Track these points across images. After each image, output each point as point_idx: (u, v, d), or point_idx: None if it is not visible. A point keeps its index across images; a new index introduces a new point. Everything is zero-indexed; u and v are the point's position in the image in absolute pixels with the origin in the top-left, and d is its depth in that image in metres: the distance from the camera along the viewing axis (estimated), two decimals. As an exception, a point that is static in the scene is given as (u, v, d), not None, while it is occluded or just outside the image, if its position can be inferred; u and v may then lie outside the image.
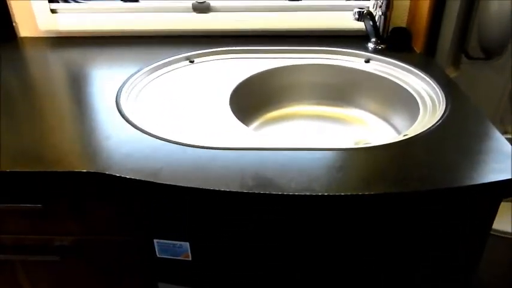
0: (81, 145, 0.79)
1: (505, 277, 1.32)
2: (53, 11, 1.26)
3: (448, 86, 0.96)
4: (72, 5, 1.28)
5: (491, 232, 0.79)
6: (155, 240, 0.80)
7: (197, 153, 0.76)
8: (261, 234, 0.77)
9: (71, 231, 0.83)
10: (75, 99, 0.96)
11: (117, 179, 0.71)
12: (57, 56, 1.22)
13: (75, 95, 0.99)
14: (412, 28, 1.19)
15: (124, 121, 0.86)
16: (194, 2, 1.24)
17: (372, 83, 1.10)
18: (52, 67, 1.16)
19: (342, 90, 1.15)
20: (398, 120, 1.05)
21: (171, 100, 0.99)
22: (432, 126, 0.84)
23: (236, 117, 0.91)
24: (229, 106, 0.95)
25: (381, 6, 1.13)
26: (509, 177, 0.69)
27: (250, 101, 1.08)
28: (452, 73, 1.15)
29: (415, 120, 0.90)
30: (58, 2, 1.27)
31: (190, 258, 0.81)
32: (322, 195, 0.67)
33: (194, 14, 1.26)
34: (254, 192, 0.67)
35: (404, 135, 0.82)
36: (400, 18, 1.21)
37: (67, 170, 0.73)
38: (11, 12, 1.27)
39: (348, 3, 1.26)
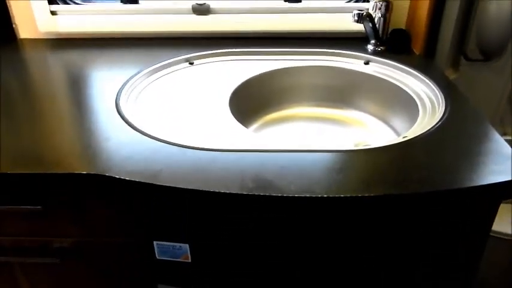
0: (80, 147, 0.79)
1: (505, 278, 1.32)
2: (53, 13, 1.26)
3: (447, 88, 0.97)
4: (72, 6, 1.28)
5: (491, 234, 0.79)
6: (155, 242, 0.80)
7: (197, 155, 0.76)
8: (260, 236, 0.77)
9: (70, 233, 0.83)
10: (75, 101, 0.97)
11: (117, 180, 0.71)
12: (57, 57, 1.22)
13: (75, 96, 0.99)
14: (412, 30, 1.19)
15: (124, 123, 0.86)
16: (194, 4, 1.24)
17: (371, 84, 1.10)
18: (52, 69, 1.16)
19: (341, 92, 1.15)
20: (398, 122, 1.05)
21: (171, 102, 0.99)
22: (432, 128, 0.84)
23: (236, 119, 0.91)
24: (229, 108, 0.95)
25: (380, 8, 1.14)
26: (509, 179, 0.69)
27: (250, 102, 1.08)
28: (451, 75, 1.15)
29: (415, 122, 0.90)
30: (58, 4, 1.27)
31: (189, 260, 0.81)
32: (322, 197, 0.67)
33: (194, 16, 1.26)
34: (254, 194, 0.67)
35: (404, 137, 0.83)
36: (399, 20, 1.21)
37: (67, 171, 0.73)
38: (11, 13, 1.27)
39: (348, 5, 1.26)
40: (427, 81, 1.00)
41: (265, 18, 1.25)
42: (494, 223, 0.78)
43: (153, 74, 1.08)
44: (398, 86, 1.04)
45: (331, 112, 1.15)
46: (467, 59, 1.16)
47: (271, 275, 0.82)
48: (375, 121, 1.11)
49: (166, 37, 1.28)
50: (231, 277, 0.84)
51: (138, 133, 0.83)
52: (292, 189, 0.68)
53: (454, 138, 0.81)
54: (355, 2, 1.27)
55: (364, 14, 1.09)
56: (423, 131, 0.83)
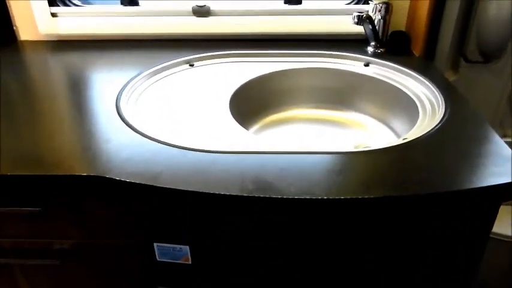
0: (81, 148, 0.79)
1: (505, 280, 1.32)
2: (53, 15, 1.26)
3: (447, 90, 0.97)
4: (72, 8, 1.28)
5: (491, 235, 0.79)
6: (155, 244, 0.80)
7: (197, 157, 0.76)
8: (260, 237, 0.77)
9: (70, 235, 0.83)
10: (75, 103, 0.97)
11: (117, 182, 0.71)
12: (57, 59, 1.22)
13: (75, 98, 0.99)
14: (411, 32, 1.19)
15: (124, 124, 0.87)
16: (194, 5, 1.25)
17: (371, 86, 1.11)
18: (52, 70, 1.16)
19: (341, 93, 1.15)
20: (398, 124, 1.05)
21: (171, 104, 0.99)
22: (431, 129, 0.84)
23: (236, 120, 0.91)
24: (229, 109, 0.95)
25: (380, 10, 1.14)
26: (509, 181, 0.69)
27: (250, 104, 1.08)
28: (451, 77, 1.15)
29: (415, 124, 0.91)
30: (58, 6, 1.27)
31: (190, 262, 0.81)
32: (322, 199, 0.67)
33: (194, 17, 1.26)
34: (254, 196, 0.67)
35: (404, 139, 0.83)
36: (399, 22, 1.21)
37: (67, 173, 0.73)
38: (11, 15, 1.28)
39: (348, 7, 1.26)
40: (427, 83, 1.00)
41: (265, 20, 1.25)
42: (494, 225, 0.78)
43: (153, 76, 1.09)
44: (398, 88, 1.04)
45: (331, 114, 1.15)
46: (467, 60, 1.16)
47: (271, 276, 0.82)
48: (374, 123, 1.11)
49: (167, 39, 1.28)
50: (231, 279, 0.84)
51: (138, 135, 0.83)
52: (292, 191, 0.68)
53: (454, 140, 0.81)
54: (355, 4, 1.27)
55: (364, 16, 1.09)
56: (423, 133, 0.83)
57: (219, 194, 0.68)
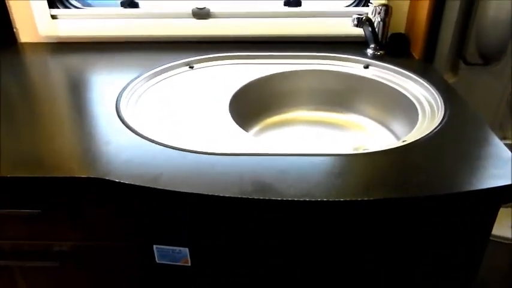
0: (81, 150, 0.79)
1: (505, 282, 1.32)
2: (53, 17, 1.27)
3: (446, 92, 0.97)
4: (73, 10, 1.28)
5: (491, 238, 0.79)
6: (155, 246, 0.80)
7: (197, 159, 0.76)
8: (260, 239, 0.77)
9: (70, 237, 0.83)
10: (75, 105, 0.97)
11: (117, 184, 0.71)
12: (57, 61, 1.22)
13: (75, 100, 0.99)
14: (411, 34, 1.20)
15: (124, 126, 0.87)
16: (194, 8, 1.25)
17: (370, 88, 1.11)
18: (52, 72, 1.16)
19: (341, 96, 1.15)
20: (397, 126, 1.05)
21: (171, 106, 0.99)
22: (431, 132, 0.84)
23: (235, 122, 0.91)
24: (228, 112, 0.95)
25: (379, 13, 1.14)
26: (509, 183, 0.69)
27: (250, 106, 1.08)
28: (450, 79, 1.15)
29: (414, 126, 0.91)
30: (58, 8, 1.27)
31: (189, 264, 0.81)
32: (322, 201, 0.67)
33: (194, 20, 1.26)
34: (253, 198, 0.67)
35: (403, 141, 0.83)
36: (398, 25, 1.22)
37: (67, 175, 0.73)
38: (11, 17, 1.28)
39: (347, 9, 1.26)
40: (427, 85, 1.00)
41: (265, 22, 1.25)
42: (494, 227, 0.78)
43: (153, 77, 1.09)
44: (398, 90, 1.05)
45: (331, 116, 1.16)
46: (467, 63, 1.16)
47: (271, 279, 0.82)
48: (374, 125, 1.11)
49: (166, 41, 1.28)
50: (230, 282, 0.83)
51: (138, 137, 0.83)
52: (291, 193, 0.68)
53: (454, 142, 0.81)
54: (355, 6, 1.27)
55: (364, 18, 1.09)
56: (422, 135, 0.83)
57: (218, 196, 0.68)
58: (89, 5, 1.33)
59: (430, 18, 1.10)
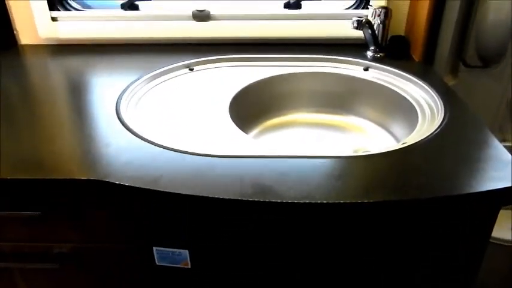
0: (81, 152, 0.80)
1: (505, 285, 1.32)
2: (54, 19, 1.27)
3: (446, 94, 0.97)
4: (73, 13, 1.29)
5: (491, 240, 0.79)
6: (154, 248, 0.80)
7: (197, 161, 0.76)
8: (260, 241, 0.77)
9: (70, 239, 0.83)
10: (75, 107, 0.97)
11: (117, 186, 0.71)
12: (57, 63, 1.22)
13: (75, 102, 0.99)
14: (411, 36, 1.20)
15: (124, 128, 0.87)
16: (194, 10, 1.25)
17: (370, 91, 1.11)
18: (52, 74, 1.16)
19: (341, 98, 1.15)
20: (397, 128, 1.05)
21: (171, 108, 0.99)
22: (431, 134, 0.84)
23: (235, 124, 0.91)
24: (228, 114, 0.95)
25: (379, 15, 1.14)
26: (508, 185, 0.69)
27: (250, 108, 1.08)
28: (450, 81, 1.15)
29: (414, 128, 0.91)
30: (59, 10, 1.27)
31: (189, 266, 0.81)
32: (322, 203, 0.67)
33: (194, 22, 1.26)
34: (253, 200, 0.67)
35: (403, 143, 0.83)
36: (398, 27, 1.22)
37: (67, 177, 0.73)
38: (11, 19, 1.28)
39: (347, 11, 1.26)
40: (426, 87, 1.01)
41: (265, 24, 1.25)
42: (494, 229, 0.78)
43: (153, 80, 1.09)
44: (398, 93, 1.05)
45: (331, 118, 1.16)
46: (466, 65, 1.16)
47: (271, 281, 0.82)
48: (374, 127, 1.11)
49: (167, 43, 1.28)
50: (230, 283, 0.83)
51: (138, 139, 0.83)
52: (291, 195, 0.68)
53: (453, 144, 0.81)
54: (355, 8, 1.27)
55: (364, 20, 1.09)
56: (422, 138, 0.83)
57: (218, 198, 0.68)
58: (89, 7, 1.33)
59: (429, 21, 1.10)
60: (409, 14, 1.20)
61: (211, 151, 0.79)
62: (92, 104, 0.97)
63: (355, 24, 1.09)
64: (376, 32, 1.15)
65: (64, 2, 1.29)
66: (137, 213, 0.78)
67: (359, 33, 1.15)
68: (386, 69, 1.11)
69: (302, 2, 1.28)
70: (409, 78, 1.06)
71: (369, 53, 1.17)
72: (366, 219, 0.74)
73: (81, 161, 0.77)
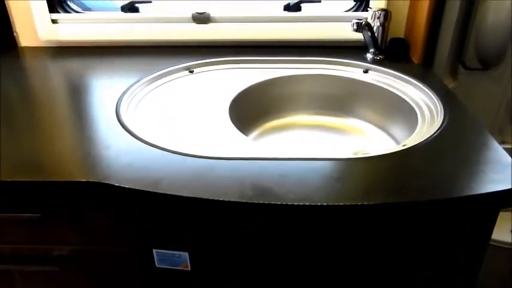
0: (81, 155, 0.80)
1: (505, 287, 1.32)
2: (54, 21, 1.27)
3: (446, 97, 0.97)
4: (73, 15, 1.29)
5: (490, 242, 0.79)
6: (154, 250, 0.80)
7: (197, 163, 0.77)
8: (260, 243, 0.77)
9: (70, 241, 0.83)
10: (75, 109, 0.97)
11: (117, 188, 0.71)
12: (57, 65, 1.23)
13: (75, 104, 0.99)
14: (410, 39, 1.20)
15: (124, 131, 0.87)
16: (194, 12, 1.25)
17: (370, 93, 1.11)
18: (52, 77, 1.16)
19: (340, 100, 1.15)
20: (397, 131, 1.05)
21: (171, 110, 0.99)
22: (430, 136, 0.84)
23: (235, 127, 0.91)
24: (228, 116, 0.95)
25: (379, 17, 1.14)
26: (508, 188, 0.69)
27: (250, 111, 1.08)
28: (450, 83, 1.16)
29: (414, 131, 0.91)
30: (59, 12, 1.27)
31: (189, 269, 0.81)
32: (321, 205, 0.67)
33: (194, 24, 1.26)
34: (253, 202, 0.67)
35: (403, 146, 0.83)
36: (398, 29, 1.22)
37: (67, 179, 0.73)
38: (11, 22, 1.28)
39: (347, 14, 1.27)
40: (426, 89, 1.01)
41: (265, 27, 1.25)
42: (494, 232, 0.78)
43: (153, 82, 1.09)
44: (397, 95, 1.05)
45: (331, 120, 1.16)
46: (466, 67, 1.17)
47: (271, 283, 0.82)
48: (374, 129, 1.11)
49: (167, 45, 1.28)
50: (230, 286, 0.83)
51: (138, 141, 0.83)
52: (291, 197, 0.68)
53: (453, 146, 0.81)
54: (354, 11, 1.27)
55: (363, 23, 1.09)
56: (422, 140, 0.83)
57: (218, 200, 0.68)
58: (89, 10, 1.33)
59: (429, 23, 1.10)
60: (408, 16, 1.20)
61: (211, 153, 0.79)
62: (92, 106, 0.97)
63: (355, 27, 1.10)
64: (376, 34, 1.15)
65: (64, 4, 1.29)
66: (137, 215, 0.78)
67: (359, 36, 1.16)
68: (386, 71, 1.11)
69: (302, 5, 1.28)
70: (409, 80, 1.06)
71: (369, 55, 1.17)
72: (366, 222, 0.74)
73: (81, 163, 0.77)
